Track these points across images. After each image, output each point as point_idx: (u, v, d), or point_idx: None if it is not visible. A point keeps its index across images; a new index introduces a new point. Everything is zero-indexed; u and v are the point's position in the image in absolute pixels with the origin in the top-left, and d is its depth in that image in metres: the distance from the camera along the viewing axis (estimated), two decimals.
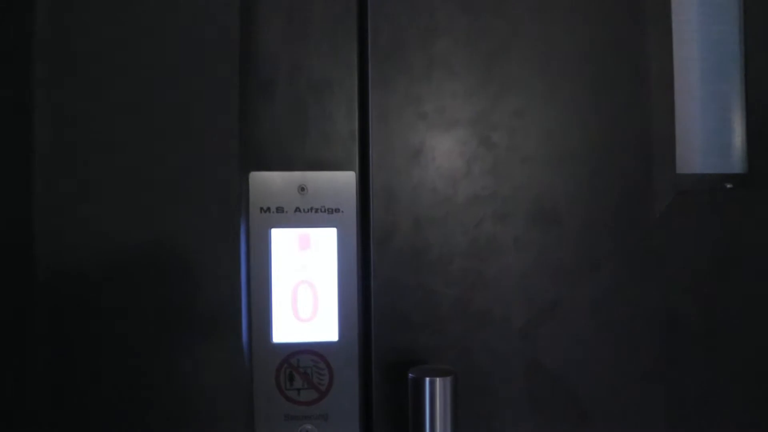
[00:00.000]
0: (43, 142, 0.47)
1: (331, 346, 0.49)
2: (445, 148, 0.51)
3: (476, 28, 0.51)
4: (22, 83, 0.47)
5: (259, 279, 0.49)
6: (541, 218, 0.51)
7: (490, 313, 0.51)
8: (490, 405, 0.51)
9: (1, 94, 0.47)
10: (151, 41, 0.48)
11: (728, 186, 0.56)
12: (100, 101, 0.48)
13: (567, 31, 0.52)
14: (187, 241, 0.48)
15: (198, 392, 0.48)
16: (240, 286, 0.48)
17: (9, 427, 0.46)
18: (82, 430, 0.47)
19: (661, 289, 0.52)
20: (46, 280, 0.47)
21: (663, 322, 0.52)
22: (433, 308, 0.50)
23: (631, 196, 0.52)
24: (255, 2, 0.49)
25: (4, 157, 0.47)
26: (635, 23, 0.52)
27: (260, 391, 0.49)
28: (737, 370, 0.53)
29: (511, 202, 0.51)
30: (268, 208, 0.49)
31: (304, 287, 0.49)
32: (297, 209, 0.49)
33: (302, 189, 0.49)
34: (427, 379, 0.45)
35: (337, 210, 0.50)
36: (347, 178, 0.50)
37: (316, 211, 0.49)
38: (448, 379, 0.45)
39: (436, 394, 0.45)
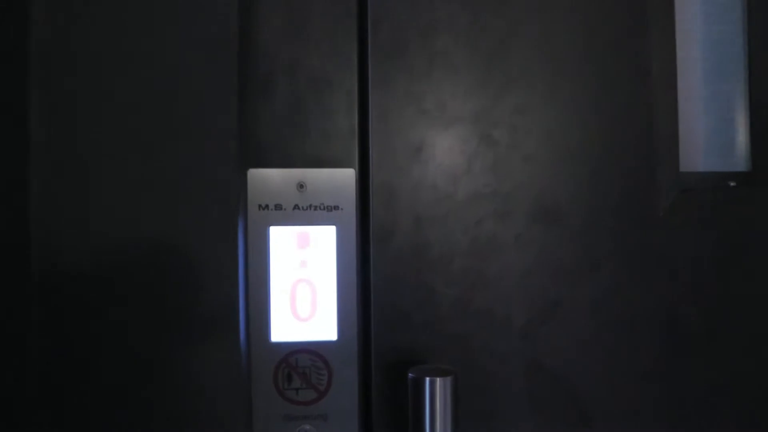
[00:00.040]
0: (40, 141, 0.47)
1: (330, 345, 0.49)
2: (446, 145, 0.50)
3: (477, 25, 0.51)
4: (18, 82, 0.47)
5: (258, 277, 0.48)
6: (542, 217, 0.51)
7: (491, 312, 0.51)
8: (490, 405, 0.51)
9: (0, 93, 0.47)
10: (150, 39, 0.48)
11: (732, 184, 0.56)
12: (98, 99, 0.47)
13: (568, 28, 0.52)
14: (184, 239, 0.48)
15: (195, 392, 0.47)
16: (238, 285, 0.48)
17: (9, 427, 0.46)
18: (80, 429, 0.47)
19: (663, 288, 0.52)
20: (43, 279, 0.46)
21: (664, 322, 0.52)
22: (433, 307, 0.50)
23: (634, 195, 0.52)
24: None
25: (1, 157, 0.47)
26: (638, 20, 0.52)
27: (258, 390, 0.48)
28: (738, 370, 0.53)
29: (512, 200, 0.51)
30: (267, 206, 0.49)
31: (303, 286, 0.49)
32: (296, 207, 0.49)
33: (301, 186, 0.49)
34: (427, 379, 0.45)
35: (336, 208, 0.49)
36: (347, 176, 0.50)
37: (316, 208, 0.49)
38: (449, 379, 0.45)
39: (436, 394, 0.45)
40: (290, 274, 0.49)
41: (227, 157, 0.48)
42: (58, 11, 0.47)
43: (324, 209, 0.49)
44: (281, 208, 0.49)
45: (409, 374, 0.46)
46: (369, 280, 0.50)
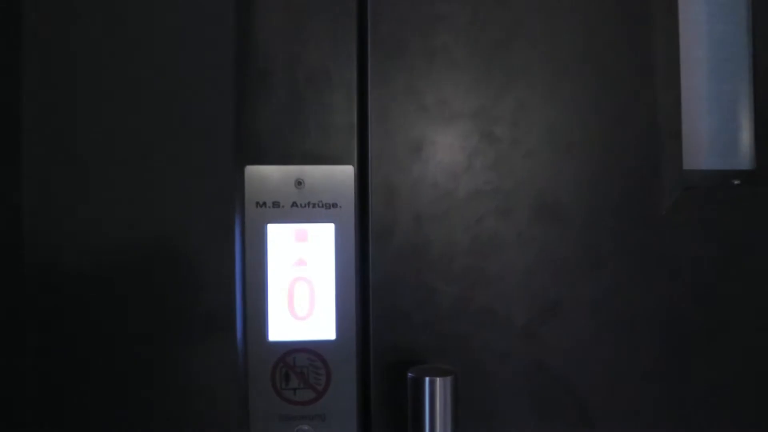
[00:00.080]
0: (35, 139, 0.46)
1: (328, 344, 0.49)
2: (447, 142, 0.50)
3: (479, 19, 0.50)
4: (14, 79, 0.46)
5: (255, 276, 0.48)
6: (544, 214, 0.51)
7: (492, 311, 0.50)
8: (490, 405, 0.50)
9: None
10: (147, 35, 0.48)
11: (736, 183, 0.56)
12: (94, 96, 0.47)
13: (571, 23, 0.51)
14: (180, 237, 0.47)
15: (191, 391, 0.47)
16: (235, 283, 0.48)
17: (9, 427, 0.46)
18: (78, 428, 0.47)
19: (665, 287, 0.52)
20: (40, 278, 0.46)
21: (665, 321, 0.52)
22: (433, 306, 0.50)
23: (637, 192, 0.52)
24: None
25: None
26: (641, 16, 0.52)
27: (255, 390, 0.48)
28: (738, 370, 0.53)
29: (514, 198, 0.51)
30: (264, 203, 0.49)
31: (301, 284, 0.49)
32: (294, 204, 0.49)
33: (299, 183, 0.49)
34: (427, 379, 0.45)
35: (335, 205, 0.49)
36: (346, 173, 0.49)
37: (314, 206, 0.49)
38: (449, 378, 0.45)
39: (436, 394, 0.45)
40: (288, 272, 0.49)
41: (224, 153, 0.48)
42: (54, 7, 0.47)
43: (322, 207, 0.49)
44: (279, 206, 0.49)
45: (409, 374, 0.46)
46: (368, 279, 0.49)
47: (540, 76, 0.51)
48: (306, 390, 0.49)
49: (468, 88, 0.50)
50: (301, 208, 0.49)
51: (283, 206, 0.49)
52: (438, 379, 0.45)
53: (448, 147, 0.50)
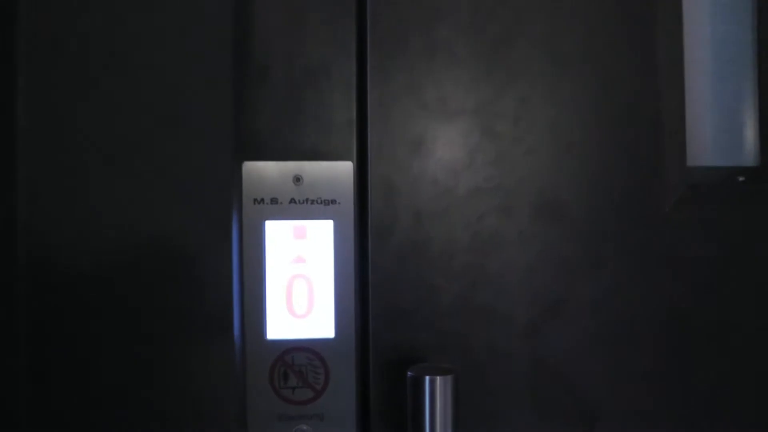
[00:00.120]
0: (31, 137, 0.46)
1: (327, 343, 0.49)
2: (447, 138, 0.50)
3: (480, 14, 0.50)
4: (10, 76, 0.46)
5: (253, 273, 0.48)
6: (545, 212, 0.51)
7: (493, 309, 0.50)
8: (491, 404, 0.50)
9: None
10: (144, 30, 0.47)
11: (740, 179, 0.56)
12: (91, 92, 0.47)
13: (574, 19, 0.51)
14: (177, 234, 0.47)
15: (189, 391, 0.47)
16: (232, 281, 0.48)
17: (8, 427, 0.46)
18: (77, 428, 0.47)
19: (666, 286, 0.52)
20: (38, 277, 0.46)
21: (665, 321, 0.52)
22: (433, 304, 0.50)
23: (640, 189, 0.52)
24: None
25: None
26: (645, 14, 0.52)
27: (253, 389, 0.48)
28: (739, 370, 0.53)
29: (515, 195, 0.51)
30: (262, 200, 0.48)
31: (300, 282, 0.48)
32: (292, 200, 0.49)
33: (298, 179, 0.49)
34: (427, 378, 0.45)
35: (333, 201, 0.49)
36: (345, 169, 0.49)
37: (312, 202, 0.49)
38: (449, 377, 0.45)
39: (437, 394, 0.44)
40: (286, 269, 0.48)
41: (222, 149, 0.48)
42: (50, 5, 0.47)
43: (321, 203, 0.49)
44: (277, 202, 0.48)
45: (409, 373, 0.45)
46: (367, 276, 0.49)
47: (541, 72, 0.51)
48: (305, 389, 0.48)
49: (468, 85, 0.50)
50: (300, 205, 0.49)
51: (281, 203, 0.48)
52: (438, 377, 0.44)
53: (448, 143, 0.50)
